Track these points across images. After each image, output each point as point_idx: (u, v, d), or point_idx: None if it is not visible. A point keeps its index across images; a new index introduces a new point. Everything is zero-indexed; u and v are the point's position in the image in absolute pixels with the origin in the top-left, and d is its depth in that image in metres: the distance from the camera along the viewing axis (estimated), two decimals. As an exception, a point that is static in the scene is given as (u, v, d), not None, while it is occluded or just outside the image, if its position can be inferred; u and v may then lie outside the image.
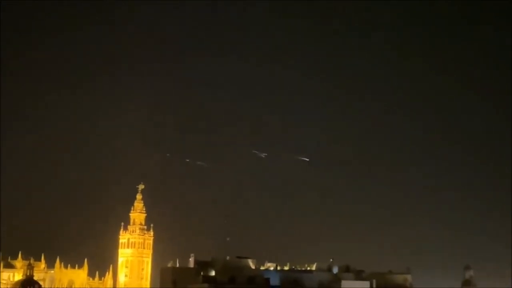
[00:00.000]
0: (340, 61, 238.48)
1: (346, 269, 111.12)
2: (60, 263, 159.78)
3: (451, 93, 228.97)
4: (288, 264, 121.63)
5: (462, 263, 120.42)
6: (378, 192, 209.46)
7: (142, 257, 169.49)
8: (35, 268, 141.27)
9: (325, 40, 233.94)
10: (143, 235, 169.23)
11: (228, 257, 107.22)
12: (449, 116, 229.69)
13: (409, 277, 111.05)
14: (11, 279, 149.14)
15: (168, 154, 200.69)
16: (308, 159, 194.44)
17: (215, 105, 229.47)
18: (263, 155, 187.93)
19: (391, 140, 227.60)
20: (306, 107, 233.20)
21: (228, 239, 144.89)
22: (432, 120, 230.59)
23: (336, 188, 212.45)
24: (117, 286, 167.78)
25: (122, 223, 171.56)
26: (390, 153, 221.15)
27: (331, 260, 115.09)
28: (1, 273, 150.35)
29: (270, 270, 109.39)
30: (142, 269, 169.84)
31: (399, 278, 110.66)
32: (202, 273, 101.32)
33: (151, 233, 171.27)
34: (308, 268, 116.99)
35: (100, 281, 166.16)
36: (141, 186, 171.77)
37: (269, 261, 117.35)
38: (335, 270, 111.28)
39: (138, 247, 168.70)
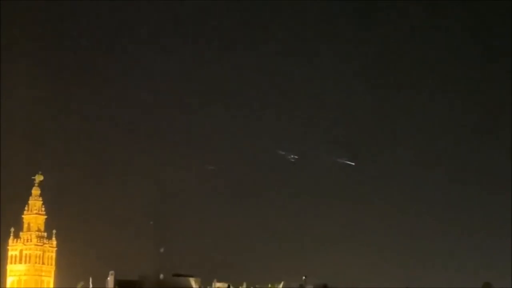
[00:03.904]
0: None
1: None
2: None
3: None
4: (244, 284, 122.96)
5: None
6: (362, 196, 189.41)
7: (41, 275, 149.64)
8: None
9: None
10: (41, 245, 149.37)
11: (162, 276, 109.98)
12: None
13: None
14: None
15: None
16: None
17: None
18: None
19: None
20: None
21: (162, 250, 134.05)
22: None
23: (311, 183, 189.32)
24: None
25: (12, 229, 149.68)
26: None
27: (304, 278, 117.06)
28: None
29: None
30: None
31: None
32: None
33: (53, 242, 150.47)
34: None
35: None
36: (38, 177, 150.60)
37: (219, 280, 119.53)
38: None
39: (35, 262, 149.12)
